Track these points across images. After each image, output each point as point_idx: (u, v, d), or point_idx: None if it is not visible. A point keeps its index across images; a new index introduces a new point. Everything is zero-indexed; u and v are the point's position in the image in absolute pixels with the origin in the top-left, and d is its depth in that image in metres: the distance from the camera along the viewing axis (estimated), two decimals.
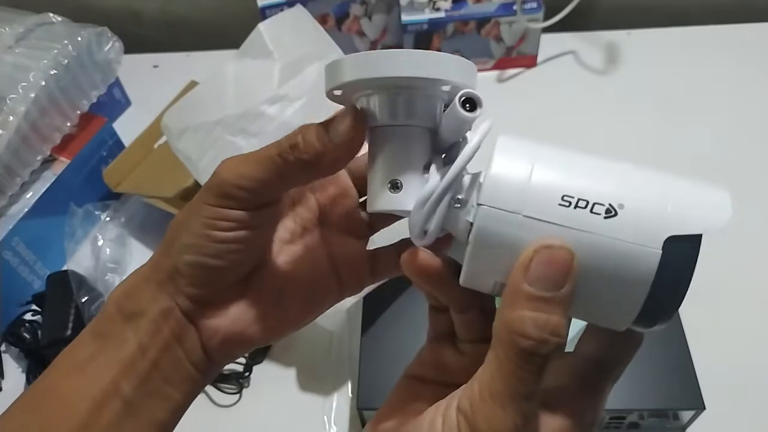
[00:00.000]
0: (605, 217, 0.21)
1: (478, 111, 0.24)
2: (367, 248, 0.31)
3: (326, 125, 0.26)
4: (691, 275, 0.22)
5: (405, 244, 0.28)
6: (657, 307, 0.22)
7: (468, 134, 0.25)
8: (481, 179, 0.23)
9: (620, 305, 0.22)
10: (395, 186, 0.24)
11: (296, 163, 0.26)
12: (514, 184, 0.22)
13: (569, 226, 0.21)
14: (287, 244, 0.31)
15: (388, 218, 0.31)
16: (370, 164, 0.26)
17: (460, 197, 0.24)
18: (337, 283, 0.31)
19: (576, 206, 0.21)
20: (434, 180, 0.23)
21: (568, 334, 0.22)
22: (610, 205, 0.21)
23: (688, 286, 0.22)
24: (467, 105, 0.23)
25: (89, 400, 0.27)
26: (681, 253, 0.21)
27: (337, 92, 0.25)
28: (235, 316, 0.29)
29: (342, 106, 0.27)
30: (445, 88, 0.24)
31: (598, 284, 0.22)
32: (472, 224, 0.23)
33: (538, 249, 0.21)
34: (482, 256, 0.23)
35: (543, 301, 0.21)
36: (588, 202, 0.22)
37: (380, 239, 0.32)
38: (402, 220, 0.27)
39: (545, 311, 0.21)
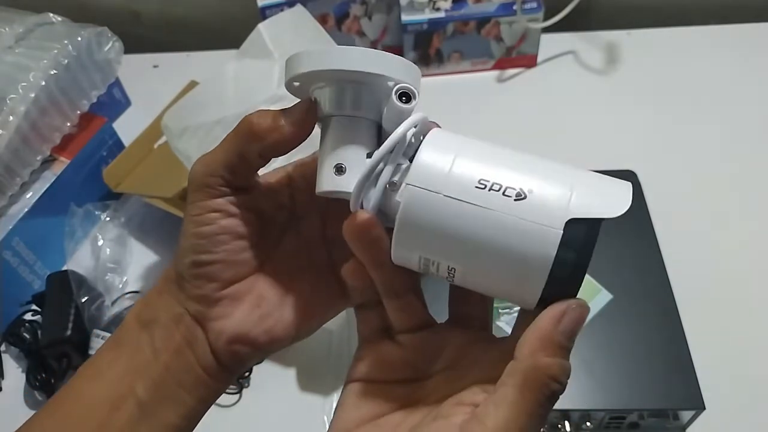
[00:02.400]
0: (515, 200, 0.24)
1: (413, 103, 0.26)
2: None
3: (282, 111, 0.28)
4: (589, 256, 0.24)
5: None
6: (558, 285, 0.24)
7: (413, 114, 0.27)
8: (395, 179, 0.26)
9: (527, 282, 0.24)
10: (339, 169, 0.27)
11: (251, 140, 0.28)
12: (438, 168, 0.25)
13: (483, 205, 0.24)
14: (291, 254, 0.32)
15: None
16: (321, 151, 0.28)
17: (394, 180, 0.26)
18: (339, 291, 0.32)
19: (490, 189, 0.24)
20: (370, 162, 0.26)
21: None
22: (520, 189, 0.24)
23: (586, 266, 0.24)
24: (403, 97, 0.26)
25: (107, 402, 0.29)
26: (580, 234, 0.24)
27: (296, 83, 0.28)
28: (239, 318, 0.30)
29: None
30: (390, 83, 0.27)
31: (508, 261, 0.24)
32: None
33: (572, 305, 0.24)
34: (408, 232, 0.25)
35: (566, 351, 0.24)
36: (501, 186, 0.24)
37: None
38: None
39: (567, 358, 0.24)
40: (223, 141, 0.29)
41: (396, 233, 0.26)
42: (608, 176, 0.26)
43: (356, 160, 0.27)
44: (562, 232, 0.23)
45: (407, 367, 0.29)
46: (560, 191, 0.24)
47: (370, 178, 0.26)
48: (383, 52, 0.26)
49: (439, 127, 0.28)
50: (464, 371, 0.27)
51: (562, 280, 0.24)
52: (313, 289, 0.32)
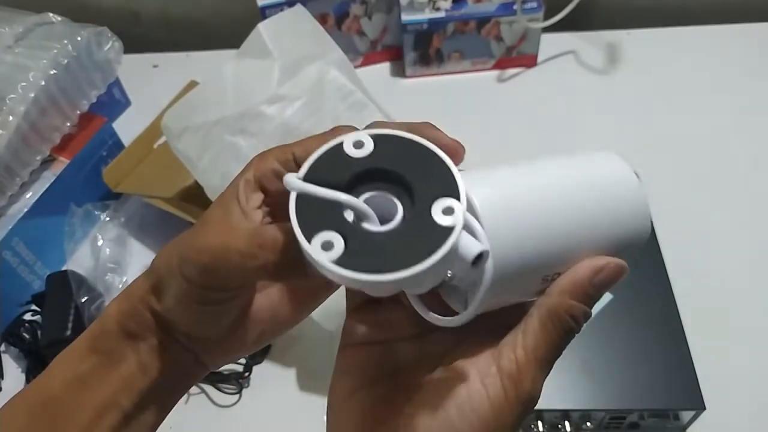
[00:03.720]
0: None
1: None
2: None
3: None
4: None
5: None
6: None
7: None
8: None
9: (634, 228, 0.28)
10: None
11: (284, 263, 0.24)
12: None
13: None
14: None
15: None
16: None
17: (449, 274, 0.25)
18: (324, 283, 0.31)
19: (552, 279, 0.26)
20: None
21: None
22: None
23: None
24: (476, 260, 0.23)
25: (91, 411, 0.28)
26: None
27: None
28: (235, 344, 0.29)
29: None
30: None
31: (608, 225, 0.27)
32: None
33: (612, 264, 0.26)
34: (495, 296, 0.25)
35: (591, 299, 0.26)
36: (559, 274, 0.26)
37: None
38: None
39: (590, 305, 0.26)
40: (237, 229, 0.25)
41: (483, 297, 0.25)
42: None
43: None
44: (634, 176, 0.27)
45: (407, 325, 0.29)
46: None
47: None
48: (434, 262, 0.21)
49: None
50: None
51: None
52: (300, 288, 0.31)
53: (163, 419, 0.30)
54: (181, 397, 0.31)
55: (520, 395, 0.25)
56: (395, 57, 0.86)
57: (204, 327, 0.28)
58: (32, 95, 0.65)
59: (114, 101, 0.83)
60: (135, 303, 0.29)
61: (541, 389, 0.26)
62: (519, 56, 0.83)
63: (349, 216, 0.22)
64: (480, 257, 0.22)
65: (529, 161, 0.27)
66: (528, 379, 0.25)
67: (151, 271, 0.28)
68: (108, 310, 0.30)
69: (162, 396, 0.30)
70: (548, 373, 0.26)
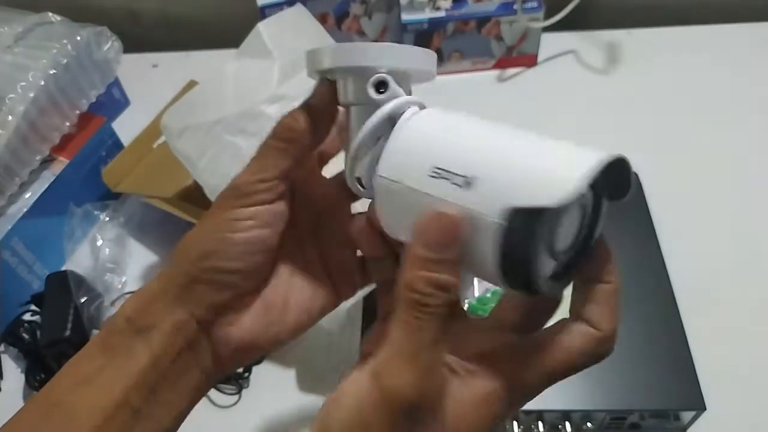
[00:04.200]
0: (462, 188, 0.24)
1: (387, 92, 0.28)
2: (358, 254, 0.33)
3: (303, 104, 0.29)
4: (534, 242, 0.23)
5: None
6: (512, 271, 0.24)
7: (398, 99, 0.28)
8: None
9: (487, 267, 0.24)
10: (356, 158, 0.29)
11: (298, 141, 0.29)
12: (401, 158, 0.26)
13: (434, 195, 0.25)
14: (288, 255, 0.32)
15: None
16: (347, 137, 0.29)
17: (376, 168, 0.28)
18: (333, 290, 0.33)
19: (441, 177, 0.25)
20: (358, 136, 0.28)
21: (458, 290, 0.25)
22: (470, 176, 0.24)
23: (533, 253, 0.23)
24: (380, 88, 0.28)
25: (99, 411, 0.27)
26: (521, 222, 0.23)
27: (318, 74, 0.30)
28: (248, 326, 0.30)
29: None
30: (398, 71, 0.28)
31: (468, 249, 0.24)
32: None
33: (431, 216, 0.25)
34: (386, 220, 0.28)
35: (433, 263, 0.24)
36: (451, 174, 0.25)
37: None
38: None
39: (436, 271, 0.24)
40: (260, 149, 0.29)
41: (380, 221, 0.28)
42: (586, 149, 0.24)
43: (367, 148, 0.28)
44: (499, 222, 0.23)
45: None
46: (508, 175, 0.24)
47: (354, 160, 0.28)
48: (400, 45, 0.28)
49: (422, 107, 0.29)
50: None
51: (513, 265, 0.24)
52: (310, 290, 0.32)
53: (177, 425, 0.30)
54: (192, 405, 0.30)
55: (383, 391, 0.24)
56: None
57: (233, 268, 0.29)
58: (32, 95, 0.65)
59: (113, 101, 0.83)
60: (145, 298, 0.29)
61: (419, 376, 0.24)
62: (519, 56, 0.83)
63: None
64: (384, 84, 0.27)
65: (489, 130, 0.27)
66: (387, 374, 0.24)
67: (174, 251, 0.30)
68: (118, 311, 0.30)
69: (173, 395, 0.29)
70: (424, 359, 0.24)
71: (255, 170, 0.29)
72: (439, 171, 0.25)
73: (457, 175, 0.24)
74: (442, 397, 0.25)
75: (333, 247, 0.33)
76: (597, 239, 0.27)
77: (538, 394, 0.27)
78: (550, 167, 0.23)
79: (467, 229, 0.24)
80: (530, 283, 0.24)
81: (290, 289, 0.32)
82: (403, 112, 0.28)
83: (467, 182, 0.24)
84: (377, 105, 0.27)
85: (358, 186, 0.29)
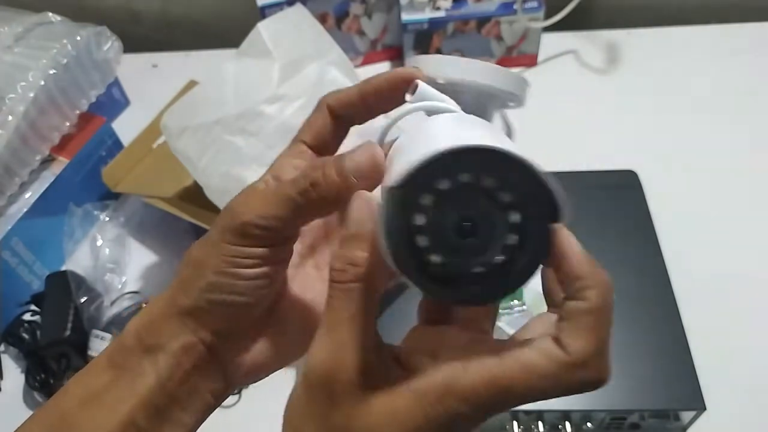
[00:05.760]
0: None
1: (415, 95, 0.28)
2: None
3: (345, 159, 0.26)
4: (397, 224, 0.22)
5: None
6: (395, 257, 0.22)
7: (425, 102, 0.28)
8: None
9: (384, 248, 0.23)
10: None
11: (318, 201, 0.26)
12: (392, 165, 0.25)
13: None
14: (298, 268, 0.31)
15: None
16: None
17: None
18: None
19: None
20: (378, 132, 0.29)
21: (372, 266, 0.24)
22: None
23: (398, 237, 0.22)
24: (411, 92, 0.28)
25: (106, 430, 0.27)
26: (388, 202, 0.22)
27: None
28: (260, 350, 0.30)
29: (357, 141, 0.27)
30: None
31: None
32: None
33: (354, 197, 0.25)
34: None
35: (347, 239, 0.24)
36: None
37: None
38: None
39: (348, 247, 0.24)
40: (281, 192, 0.27)
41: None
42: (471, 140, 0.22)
43: None
44: (383, 203, 0.22)
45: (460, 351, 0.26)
46: (401, 160, 0.23)
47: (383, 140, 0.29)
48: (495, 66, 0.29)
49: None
50: None
51: (393, 252, 0.22)
52: (320, 301, 0.30)
53: None
54: (199, 425, 0.30)
55: (304, 369, 0.25)
56: (395, 57, 0.86)
57: (240, 302, 0.28)
58: (32, 95, 0.65)
59: (113, 101, 0.83)
60: (154, 315, 0.29)
61: (336, 358, 0.23)
62: (519, 56, 0.83)
63: None
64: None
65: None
66: (311, 352, 0.24)
67: (180, 268, 0.29)
68: (127, 327, 0.29)
69: (180, 416, 0.28)
70: (344, 338, 0.23)
71: (261, 211, 0.26)
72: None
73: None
74: (361, 376, 0.23)
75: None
76: (561, 252, 0.23)
77: (485, 407, 0.23)
78: (419, 151, 0.21)
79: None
80: (410, 272, 0.22)
81: (301, 307, 0.31)
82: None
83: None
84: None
85: None
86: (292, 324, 0.30)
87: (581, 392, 0.23)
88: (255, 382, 0.31)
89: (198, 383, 0.29)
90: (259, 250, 0.27)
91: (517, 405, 0.23)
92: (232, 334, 0.29)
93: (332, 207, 0.27)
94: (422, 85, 0.27)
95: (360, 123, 0.30)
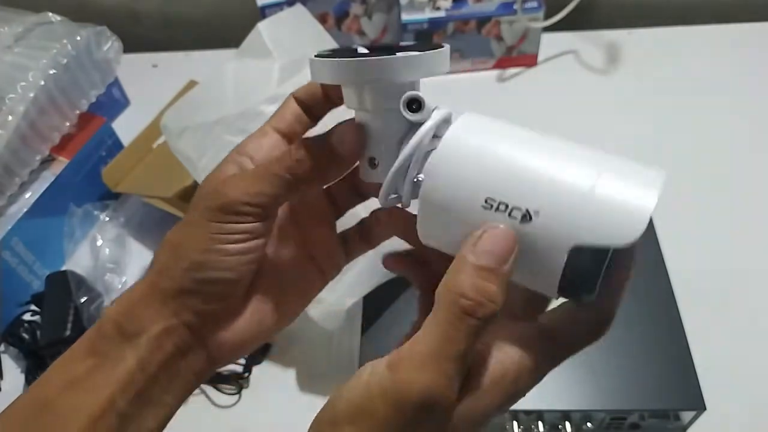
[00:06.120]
0: (521, 222, 0.24)
1: (423, 111, 0.27)
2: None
3: (329, 138, 0.28)
4: (598, 275, 0.24)
5: (367, 222, 0.34)
6: (572, 290, 0.25)
7: (434, 113, 0.27)
8: (421, 176, 0.26)
9: (542, 284, 0.25)
10: (372, 163, 0.29)
11: (303, 177, 0.28)
12: (448, 181, 0.25)
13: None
14: (272, 250, 0.32)
15: (351, 201, 0.34)
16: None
17: (419, 179, 0.27)
18: (319, 271, 0.33)
19: (497, 209, 0.24)
20: (399, 158, 0.27)
21: (502, 304, 0.24)
22: (527, 210, 0.24)
23: (596, 281, 0.24)
24: (413, 105, 0.27)
25: (86, 416, 0.27)
26: (586, 258, 0.23)
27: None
28: (241, 328, 0.30)
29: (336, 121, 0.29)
30: (407, 84, 0.27)
31: (525, 267, 0.24)
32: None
33: (488, 228, 0.24)
34: (429, 228, 0.27)
35: (485, 271, 0.24)
36: (507, 206, 0.24)
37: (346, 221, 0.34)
38: (362, 203, 0.33)
39: (486, 279, 0.24)
40: (268, 170, 0.28)
41: (419, 232, 0.27)
42: (638, 171, 0.24)
43: (387, 153, 0.28)
44: (566, 256, 0.23)
45: None
46: (568, 212, 0.23)
47: (396, 176, 0.27)
48: (406, 55, 0.26)
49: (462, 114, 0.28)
50: None
51: (573, 288, 0.25)
52: (297, 277, 0.32)
53: (164, 425, 0.30)
54: (181, 403, 0.30)
55: (395, 382, 0.24)
56: None
57: (227, 278, 0.28)
58: (31, 95, 0.65)
59: (113, 101, 0.83)
60: (133, 301, 0.29)
61: (436, 383, 0.23)
62: (519, 56, 0.83)
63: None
64: (417, 102, 0.26)
65: (541, 147, 0.26)
66: (403, 371, 0.24)
67: (157, 255, 0.30)
68: (104, 314, 0.30)
69: (161, 397, 0.29)
70: (447, 367, 0.23)
71: (250, 189, 0.28)
72: (493, 202, 0.24)
73: (515, 208, 0.24)
74: (454, 407, 0.24)
75: (313, 227, 0.33)
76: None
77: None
78: (612, 204, 0.23)
79: (525, 249, 0.24)
80: (584, 297, 0.25)
81: (279, 282, 0.32)
82: (442, 126, 0.27)
83: (526, 215, 0.24)
84: (410, 121, 0.27)
85: (393, 198, 0.28)
86: (270, 298, 0.31)
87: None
88: (236, 360, 0.32)
89: (180, 365, 0.29)
90: (248, 225, 0.28)
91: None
92: (214, 314, 0.29)
93: (319, 183, 0.29)
94: (426, 101, 0.27)
95: (322, 113, 0.31)
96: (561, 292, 0.25)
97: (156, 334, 0.28)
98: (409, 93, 0.27)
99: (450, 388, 0.24)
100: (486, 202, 0.24)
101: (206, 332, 0.29)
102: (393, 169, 0.27)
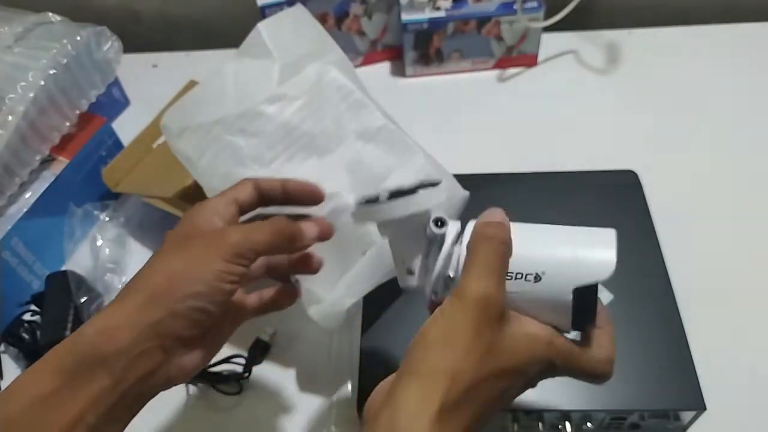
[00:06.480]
0: (534, 282, 0.34)
1: (446, 226, 0.37)
2: None
3: (304, 234, 0.40)
4: (594, 303, 0.35)
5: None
6: (580, 323, 0.36)
7: (450, 224, 0.37)
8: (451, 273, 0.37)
9: (560, 324, 0.36)
10: (409, 272, 0.38)
11: (285, 246, 0.39)
12: None
13: (516, 291, 0.35)
14: None
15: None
16: (392, 249, 0.39)
17: (450, 275, 0.37)
18: (243, 309, 0.43)
19: (515, 278, 0.35)
20: (436, 269, 0.37)
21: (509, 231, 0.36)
22: (536, 273, 0.34)
23: (594, 308, 0.36)
24: (438, 222, 0.37)
25: (56, 429, 0.30)
26: (583, 294, 0.34)
27: None
28: (198, 354, 0.37)
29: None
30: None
31: (545, 316, 0.35)
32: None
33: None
34: None
35: (494, 222, 0.35)
36: (523, 274, 0.35)
37: None
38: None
39: (494, 226, 0.35)
40: (271, 227, 0.38)
41: None
42: (594, 230, 0.36)
43: (416, 260, 0.38)
44: (571, 297, 0.34)
45: None
46: (564, 267, 0.34)
47: (436, 279, 0.37)
48: (427, 187, 0.36)
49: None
50: None
51: (580, 321, 0.35)
52: (236, 317, 0.42)
53: (125, 428, 0.33)
54: (134, 417, 0.34)
55: (465, 298, 0.32)
56: (395, 56, 0.86)
57: (211, 311, 0.35)
58: (31, 95, 0.65)
59: (113, 101, 0.83)
60: (118, 323, 0.33)
61: (498, 291, 0.33)
62: (519, 56, 0.83)
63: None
64: (441, 220, 0.36)
65: (531, 234, 0.36)
66: (471, 284, 0.32)
67: (149, 279, 0.34)
68: (81, 333, 0.33)
69: (125, 413, 0.32)
70: (501, 277, 0.33)
71: (252, 237, 0.36)
72: (511, 274, 0.35)
73: (528, 274, 0.34)
74: (502, 308, 0.33)
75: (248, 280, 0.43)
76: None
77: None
78: (590, 254, 0.34)
79: (543, 299, 0.35)
80: (592, 316, 0.36)
81: (227, 318, 0.40)
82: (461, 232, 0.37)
83: (537, 277, 0.34)
84: (436, 234, 0.36)
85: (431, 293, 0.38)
86: (218, 331, 0.39)
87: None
88: (183, 382, 0.38)
89: (147, 383, 0.33)
90: (244, 269, 0.36)
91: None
92: (189, 340, 0.35)
93: (285, 252, 0.41)
94: (450, 221, 0.37)
95: (271, 204, 0.42)
96: (574, 325, 0.35)
97: (134, 356, 0.32)
98: (435, 216, 0.36)
99: (501, 292, 0.33)
100: (507, 275, 0.34)
101: (175, 356, 0.34)
102: (434, 277, 0.37)
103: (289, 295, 0.45)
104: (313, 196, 0.42)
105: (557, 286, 0.34)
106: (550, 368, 0.35)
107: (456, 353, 0.31)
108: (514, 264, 0.35)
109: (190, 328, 0.34)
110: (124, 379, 0.31)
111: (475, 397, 0.31)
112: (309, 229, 0.40)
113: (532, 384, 0.36)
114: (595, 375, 0.36)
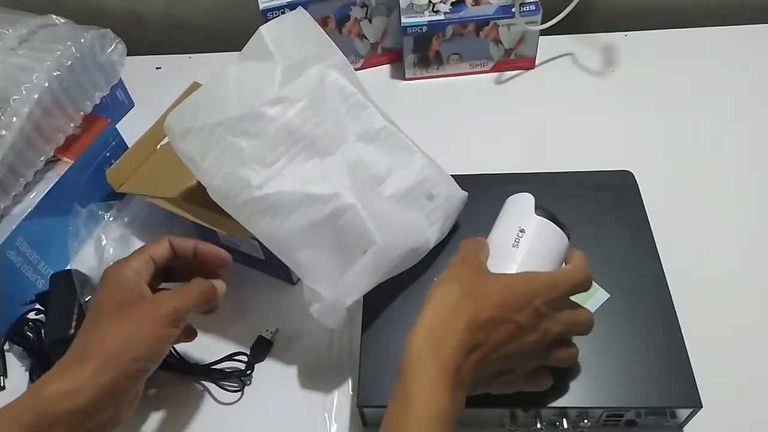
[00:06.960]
0: (520, 233, 0.50)
1: None
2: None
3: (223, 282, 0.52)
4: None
5: None
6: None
7: None
8: None
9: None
10: None
11: (214, 302, 0.50)
12: None
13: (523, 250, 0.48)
14: None
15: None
16: None
17: None
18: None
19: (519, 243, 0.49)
20: None
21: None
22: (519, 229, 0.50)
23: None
24: None
25: None
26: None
27: None
28: (131, 404, 0.46)
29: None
30: None
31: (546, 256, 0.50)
32: None
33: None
34: None
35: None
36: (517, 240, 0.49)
37: None
38: None
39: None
40: (196, 293, 0.48)
41: None
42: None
43: None
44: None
45: None
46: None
47: None
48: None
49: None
50: None
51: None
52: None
53: None
54: None
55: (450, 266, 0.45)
56: (395, 59, 0.87)
57: (151, 368, 0.45)
58: (36, 96, 0.65)
59: (117, 102, 0.84)
60: (81, 384, 0.40)
61: (464, 255, 0.46)
62: (517, 58, 0.84)
63: None
64: None
65: None
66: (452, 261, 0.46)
67: (105, 343, 0.42)
68: (45, 394, 0.41)
69: None
70: (467, 256, 0.45)
71: (185, 304, 0.46)
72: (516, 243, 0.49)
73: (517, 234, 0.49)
74: (486, 263, 0.47)
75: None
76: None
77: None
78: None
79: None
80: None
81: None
82: None
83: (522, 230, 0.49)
84: None
85: None
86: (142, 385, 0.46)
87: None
88: (113, 429, 0.44)
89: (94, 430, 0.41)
90: (178, 332, 0.45)
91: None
92: (132, 393, 0.44)
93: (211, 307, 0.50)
94: None
95: (182, 261, 0.51)
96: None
97: (90, 413, 0.40)
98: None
99: (479, 256, 0.46)
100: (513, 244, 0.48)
101: (121, 407, 0.43)
102: None
103: (190, 333, 0.53)
104: (220, 260, 0.51)
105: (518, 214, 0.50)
106: (539, 308, 0.42)
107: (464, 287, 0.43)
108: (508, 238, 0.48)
109: (136, 385, 0.44)
110: (80, 429, 0.40)
111: (492, 326, 0.40)
112: (221, 286, 0.50)
113: (535, 333, 0.43)
114: (574, 283, 0.44)
